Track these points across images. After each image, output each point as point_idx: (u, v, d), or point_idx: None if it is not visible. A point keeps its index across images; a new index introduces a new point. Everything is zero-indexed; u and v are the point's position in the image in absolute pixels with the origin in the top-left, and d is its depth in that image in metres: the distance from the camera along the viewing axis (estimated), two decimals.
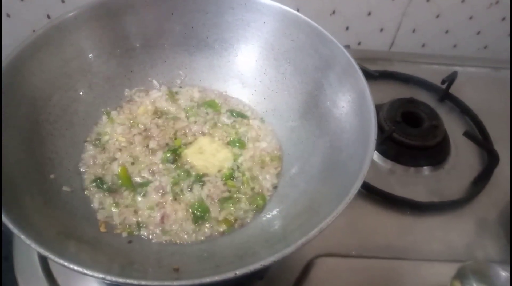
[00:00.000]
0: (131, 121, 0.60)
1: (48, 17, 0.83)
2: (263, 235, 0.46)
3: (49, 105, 0.53)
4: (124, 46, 0.61)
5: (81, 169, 0.52)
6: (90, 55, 0.58)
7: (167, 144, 0.58)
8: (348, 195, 0.39)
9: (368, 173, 0.67)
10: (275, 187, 0.54)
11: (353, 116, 0.51)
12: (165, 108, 0.62)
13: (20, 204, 0.41)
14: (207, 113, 0.62)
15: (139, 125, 0.59)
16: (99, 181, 0.50)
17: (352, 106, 0.52)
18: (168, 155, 0.55)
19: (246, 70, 0.64)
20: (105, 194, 0.50)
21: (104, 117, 0.59)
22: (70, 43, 0.56)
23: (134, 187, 0.52)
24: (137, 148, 0.56)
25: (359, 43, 1.04)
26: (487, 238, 0.63)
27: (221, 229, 0.48)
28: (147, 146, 0.57)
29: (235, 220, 0.49)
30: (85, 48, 0.58)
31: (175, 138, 0.58)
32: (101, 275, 0.33)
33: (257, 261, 0.35)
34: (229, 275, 0.34)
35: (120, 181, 0.52)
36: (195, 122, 0.61)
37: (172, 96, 0.63)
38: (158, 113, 0.61)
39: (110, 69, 0.60)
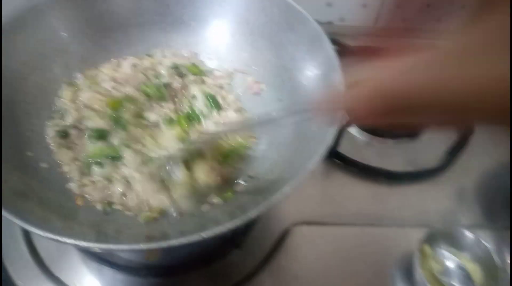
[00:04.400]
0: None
1: None
2: (236, 205, 0.48)
3: (26, 85, 0.54)
4: (100, 26, 0.61)
5: (50, 147, 0.53)
6: (65, 35, 0.59)
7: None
8: (308, 166, 0.41)
9: (345, 146, 0.69)
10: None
11: (323, 89, 0.52)
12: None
13: None
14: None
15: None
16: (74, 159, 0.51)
17: (322, 79, 0.53)
18: None
19: (223, 46, 0.64)
20: (81, 169, 0.51)
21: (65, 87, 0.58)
22: (44, 24, 0.57)
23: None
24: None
25: (342, 20, 1.04)
26: (460, 205, 0.65)
27: None
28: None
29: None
30: (60, 28, 0.58)
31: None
32: (79, 243, 0.35)
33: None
34: (196, 237, 0.35)
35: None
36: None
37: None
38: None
39: (86, 49, 0.60)
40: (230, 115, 0.60)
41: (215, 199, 0.49)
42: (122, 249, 0.35)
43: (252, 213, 0.37)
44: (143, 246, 0.35)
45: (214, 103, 0.59)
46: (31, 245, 0.55)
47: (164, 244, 0.35)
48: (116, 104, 0.54)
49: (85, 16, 0.60)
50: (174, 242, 0.35)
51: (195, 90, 0.59)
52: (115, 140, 0.52)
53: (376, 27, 1.06)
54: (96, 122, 0.53)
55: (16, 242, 0.55)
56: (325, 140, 0.43)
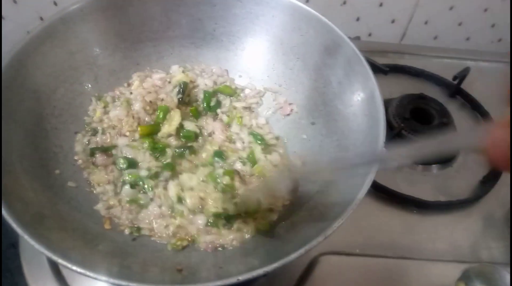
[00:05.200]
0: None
1: (55, 3, 0.82)
2: (268, 238, 0.46)
3: (54, 98, 0.53)
4: (130, 39, 0.60)
5: (78, 164, 0.51)
6: (95, 48, 0.58)
7: None
8: (354, 201, 0.39)
9: None
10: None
11: (361, 116, 0.50)
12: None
13: (25, 201, 0.41)
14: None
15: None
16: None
17: (360, 105, 0.51)
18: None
19: (254, 64, 0.63)
20: (110, 189, 0.49)
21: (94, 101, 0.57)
22: (75, 36, 0.55)
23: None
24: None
25: (369, 34, 1.02)
26: (493, 238, 0.63)
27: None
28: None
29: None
30: (90, 40, 0.57)
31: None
32: (104, 278, 0.34)
33: (260, 266, 0.35)
34: (232, 280, 0.34)
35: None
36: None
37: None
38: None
39: (116, 62, 0.59)
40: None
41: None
42: None
43: (292, 256, 0.35)
44: None
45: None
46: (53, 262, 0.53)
47: None
48: (148, 131, 0.53)
49: (117, 28, 0.59)
50: (210, 284, 0.33)
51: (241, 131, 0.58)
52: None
53: (403, 44, 1.04)
54: (128, 151, 0.52)
55: (38, 254, 0.53)
56: (368, 174, 0.41)
